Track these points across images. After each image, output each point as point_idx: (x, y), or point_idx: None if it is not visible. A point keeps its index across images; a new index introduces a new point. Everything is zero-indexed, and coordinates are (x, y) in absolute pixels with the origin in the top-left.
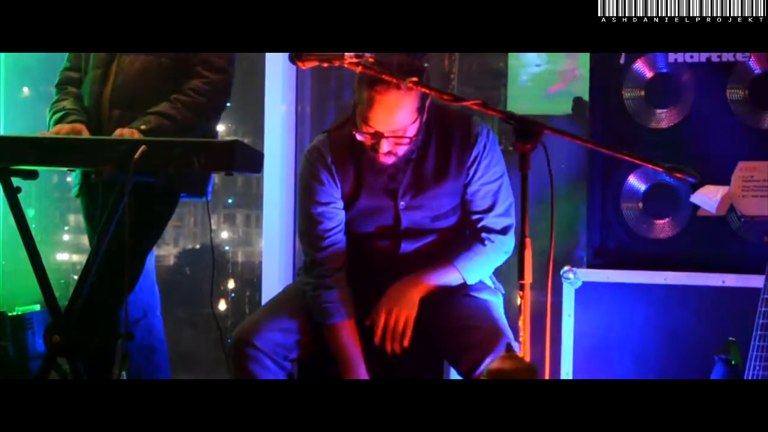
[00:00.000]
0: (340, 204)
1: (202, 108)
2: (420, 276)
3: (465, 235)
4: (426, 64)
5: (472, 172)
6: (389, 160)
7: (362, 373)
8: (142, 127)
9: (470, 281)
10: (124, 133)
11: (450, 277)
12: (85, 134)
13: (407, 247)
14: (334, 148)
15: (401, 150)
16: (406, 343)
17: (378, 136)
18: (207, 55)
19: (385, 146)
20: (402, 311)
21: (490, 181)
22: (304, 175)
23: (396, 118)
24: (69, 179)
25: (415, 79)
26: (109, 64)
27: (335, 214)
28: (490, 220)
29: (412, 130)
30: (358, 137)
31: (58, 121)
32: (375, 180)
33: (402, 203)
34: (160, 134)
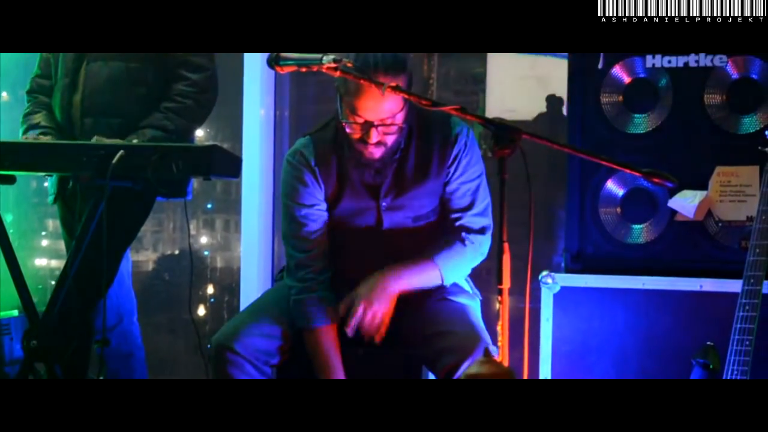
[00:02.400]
0: (324, 206)
1: (192, 111)
2: (400, 270)
3: (445, 234)
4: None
5: (452, 170)
6: (378, 152)
7: (341, 378)
8: (134, 141)
9: (447, 281)
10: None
11: (429, 274)
12: None
13: (389, 248)
14: (318, 150)
15: (390, 140)
16: (378, 339)
17: (367, 126)
18: (185, 56)
19: (374, 136)
20: (380, 307)
21: (469, 179)
22: (287, 177)
23: (385, 106)
24: (47, 184)
25: (393, 84)
26: (77, 72)
27: (319, 217)
28: (468, 219)
29: (400, 118)
30: (347, 129)
31: (30, 134)
32: (358, 181)
33: (384, 203)
34: None
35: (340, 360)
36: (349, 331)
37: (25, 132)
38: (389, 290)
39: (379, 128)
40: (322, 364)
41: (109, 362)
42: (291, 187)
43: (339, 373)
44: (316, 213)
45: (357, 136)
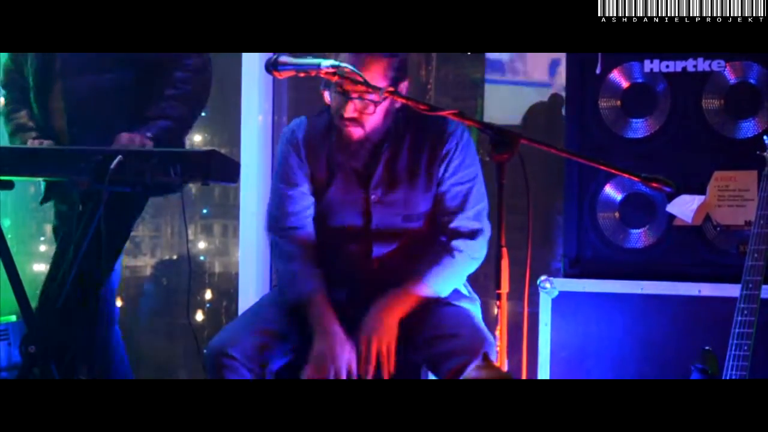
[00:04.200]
0: (307, 188)
1: (192, 96)
2: (393, 299)
3: (436, 242)
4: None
5: (442, 170)
6: (356, 133)
7: (343, 341)
8: (148, 134)
9: (443, 295)
10: (134, 140)
11: (423, 293)
12: None
13: (379, 250)
14: (309, 130)
15: (369, 122)
16: (391, 369)
17: (345, 96)
18: (177, 54)
19: (350, 110)
20: (383, 339)
21: (460, 182)
22: (277, 155)
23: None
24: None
25: (391, 88)
26: (49, 81)
27: (301, 198)
28: (458, 222)
29: (375, 96)
30: (326, 97)
31: (23, 134)
32: (346, 168)
33: (373, 196)
34: (164, 136)
35: (339, 324)
36: (370, 376)
37: (14, 131)
38: (387, 321)
39: (355, 101)
40: (322, 331)
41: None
42: (279, 164)
43: (340, 335)
44: (299, 194)
45: (334, 110)
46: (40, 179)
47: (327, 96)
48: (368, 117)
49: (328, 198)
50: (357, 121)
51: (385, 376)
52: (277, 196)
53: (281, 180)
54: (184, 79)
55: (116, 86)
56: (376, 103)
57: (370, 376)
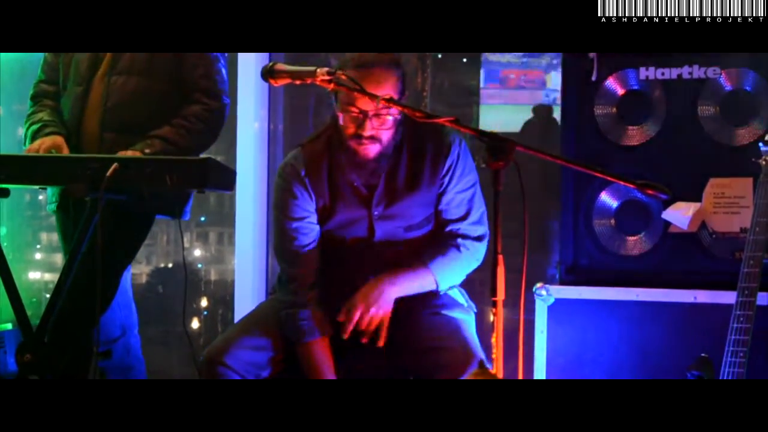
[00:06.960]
0: (314, 218)
1: (201, 134)
2: (396, 276)
3: (440, 241)
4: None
5: (446, 181)
6: (373, 150)
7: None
8: (146, 150)
9: (442, 287)
10: (127, 155)
11: (424, 280)
12: (65, 148)
13: (382, 259)
14: (308, 162)
15: (385, 136)
16: (381, 343)
17: (363, 116)
18: (206, 83)
19: (369, 128)
20: (379, 310)
21: (463, 189)
22: (277, 190)
23: (380, 94)
24: (41, 197)
25: (388, 96)
26: (90, 81)
27: (310, 230)
28: (465, 228)
29: (394, 110)
30: (341, 121)
31: (35, 133)
32: (349, 190)
33: (376, 212)
34: None
35: (333, 373)
36: (345, 335)
37: (28, 129)
38: (386, 294)
39: (373, 120)
40: (313, 377)
41: (111, 375)
42: (281, 200)
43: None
44: (307, 226)
45: (351, 130)
46: (38, 187)
47: (341, 119)
48: (384, 132)
49: (333, 220)
50: (375, 138)
51: (381, 343)
52: (283, 231)
53: (287, 214)
54: (200, 117)
55: (159, 97)
56: (395, 119)
57: (366, 337)
